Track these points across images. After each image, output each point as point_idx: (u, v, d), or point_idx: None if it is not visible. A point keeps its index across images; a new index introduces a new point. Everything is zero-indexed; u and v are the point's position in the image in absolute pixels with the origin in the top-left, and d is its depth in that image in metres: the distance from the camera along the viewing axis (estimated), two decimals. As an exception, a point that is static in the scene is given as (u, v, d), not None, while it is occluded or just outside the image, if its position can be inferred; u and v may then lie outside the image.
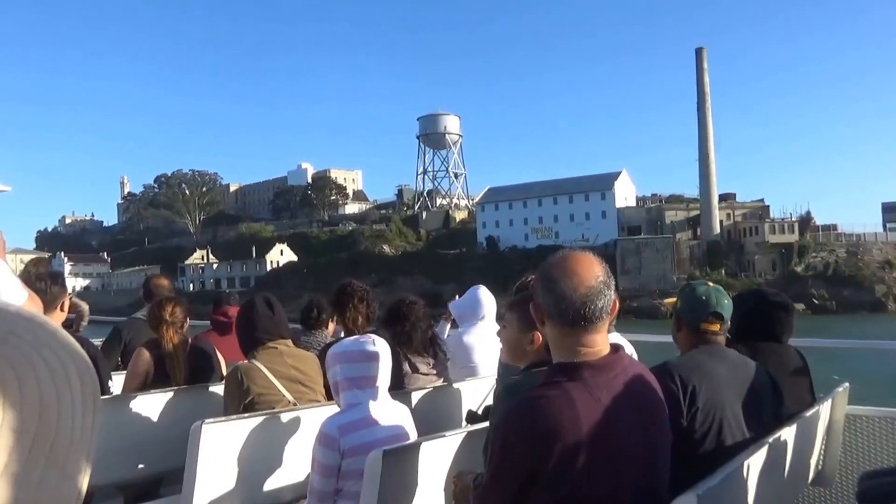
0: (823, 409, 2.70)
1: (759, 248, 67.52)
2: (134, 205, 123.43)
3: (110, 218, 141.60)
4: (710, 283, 2.29)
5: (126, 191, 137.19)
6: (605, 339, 1.54)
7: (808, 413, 2.49)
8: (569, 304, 1.48)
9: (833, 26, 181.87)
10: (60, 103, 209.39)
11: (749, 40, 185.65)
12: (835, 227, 72.01)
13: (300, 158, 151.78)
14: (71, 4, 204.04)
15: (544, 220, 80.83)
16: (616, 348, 1.57)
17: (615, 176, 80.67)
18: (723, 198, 74.70)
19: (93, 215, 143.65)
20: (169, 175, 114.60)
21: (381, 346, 2.38)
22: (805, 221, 70.80)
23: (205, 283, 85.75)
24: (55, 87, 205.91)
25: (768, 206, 74.61)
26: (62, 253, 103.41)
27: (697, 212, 74.26)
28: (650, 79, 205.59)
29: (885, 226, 70.49)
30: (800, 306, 61.33)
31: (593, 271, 1.51)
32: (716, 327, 2.20)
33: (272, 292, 3.40)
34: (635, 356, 2.73)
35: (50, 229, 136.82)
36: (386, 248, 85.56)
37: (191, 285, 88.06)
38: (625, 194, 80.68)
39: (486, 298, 3.89)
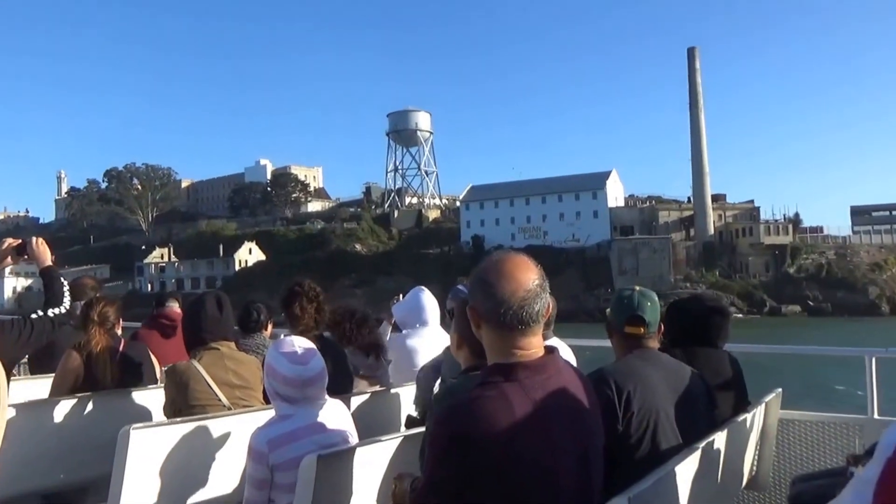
0: (757, 414, 2.84)
1: (752, 250, 68.74)
2: (77, 200, 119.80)
3: (47, 215, 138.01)
4: (638, 288, 2.41)
5: (65, 186, 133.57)
6: (540, 341, 1.64)
7: (742, 418, 2.62)
8: (507, 307, 1.56)
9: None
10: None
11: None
12: (821, 228, 74.45)
13: (256, 155, 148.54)
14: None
15: (532, 219, 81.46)
16: (550, 350, 1.66)
17: (606, 175, 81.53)
18: (713, 198, 75.96)
19: (27, 211, 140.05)
20: (120, 169, 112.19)
21: (320, 365, 2.40)
22: (794, 223, 72.73)
23: (165, 284, 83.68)
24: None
25: (759, 208, 76.32)
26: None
27: (690, 212, 75.29)
28: (632, 77, 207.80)
29: (853, 229, 72.94)
30: (796, 308, 62.95)
31: (530, 274, 1.60)
32: (639, 330, 2.31)
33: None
34: (573, 360, 2.87)
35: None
36: (358, 246, 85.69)
37: (149, 286, 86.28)
38: (614, 194, 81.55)
39: (430, 302, 3.96)
